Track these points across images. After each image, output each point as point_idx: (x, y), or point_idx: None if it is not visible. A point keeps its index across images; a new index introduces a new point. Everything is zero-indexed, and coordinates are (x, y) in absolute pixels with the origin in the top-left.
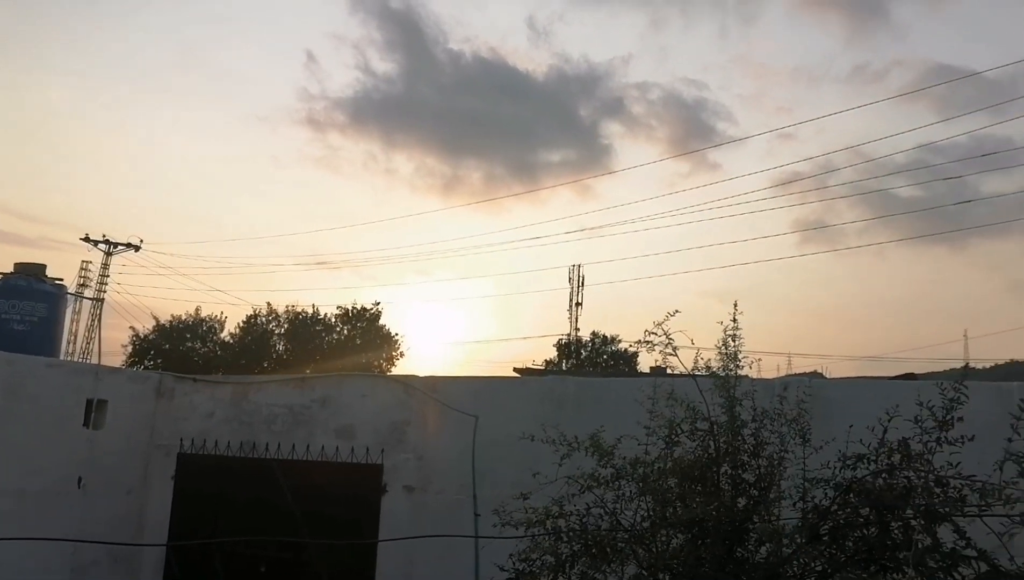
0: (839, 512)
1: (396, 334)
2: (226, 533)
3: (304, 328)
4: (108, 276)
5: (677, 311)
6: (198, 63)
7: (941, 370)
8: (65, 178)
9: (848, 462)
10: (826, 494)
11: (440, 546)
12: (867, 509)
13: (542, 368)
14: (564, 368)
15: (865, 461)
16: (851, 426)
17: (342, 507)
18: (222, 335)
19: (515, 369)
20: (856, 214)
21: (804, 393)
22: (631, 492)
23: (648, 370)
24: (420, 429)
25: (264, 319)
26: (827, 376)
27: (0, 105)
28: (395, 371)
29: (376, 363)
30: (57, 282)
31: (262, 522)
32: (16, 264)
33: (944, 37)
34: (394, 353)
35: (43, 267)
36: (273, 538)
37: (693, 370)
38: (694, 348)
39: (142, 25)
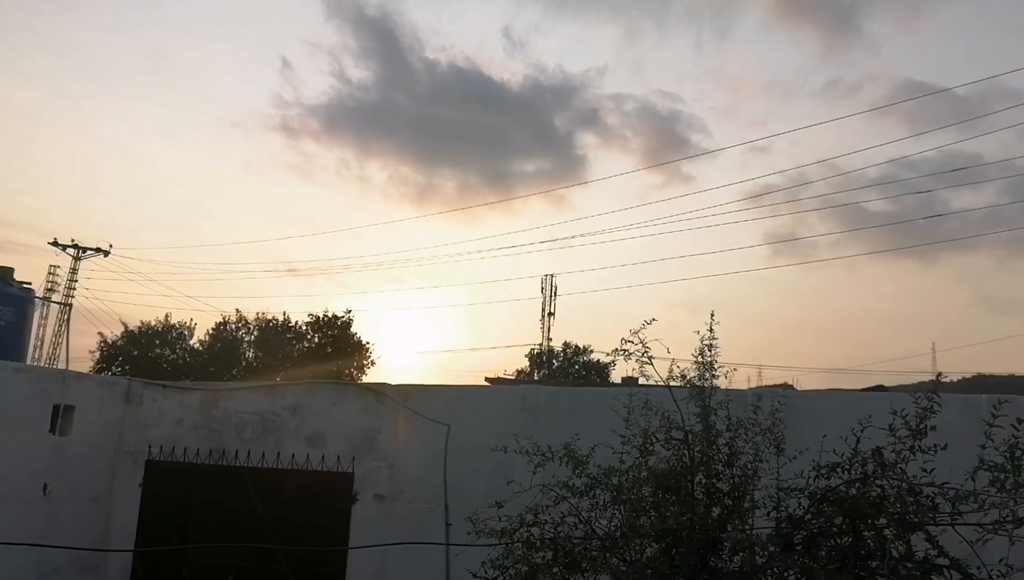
0: (813, 521)
1: (367, 342)
2: (195, 541)
3: (274, 336)
4: (76, 281)
5: (654, 320)
6: (171, 67)
7: (910, 383)
8: (32, 181)
9: (822, 471)
10: (800, 503)
11: (411, 555)
12: (841, 518)
13: (513, 378)
14: (536, 378)
15: (839, 470)
16: (824, 436)
17: (312, 515)
18: (191, 342)
19: (486, 378)
20: (827, 227)
21: (778, 403)
22: (605, 500)
23: (620, 381)
24: (391, 437)
25: (234, 326)
26: (797, 388)
27: None
28: (366, 379)
29: (347, 371)
30: (25, 286)
31: (231, 530)
32: None
33: (915, 54)
34: (365, 361)
35: (11, 270)
36: (242, 544)
37: (668, 380)
38: (668, 358)
39: (112, 27)
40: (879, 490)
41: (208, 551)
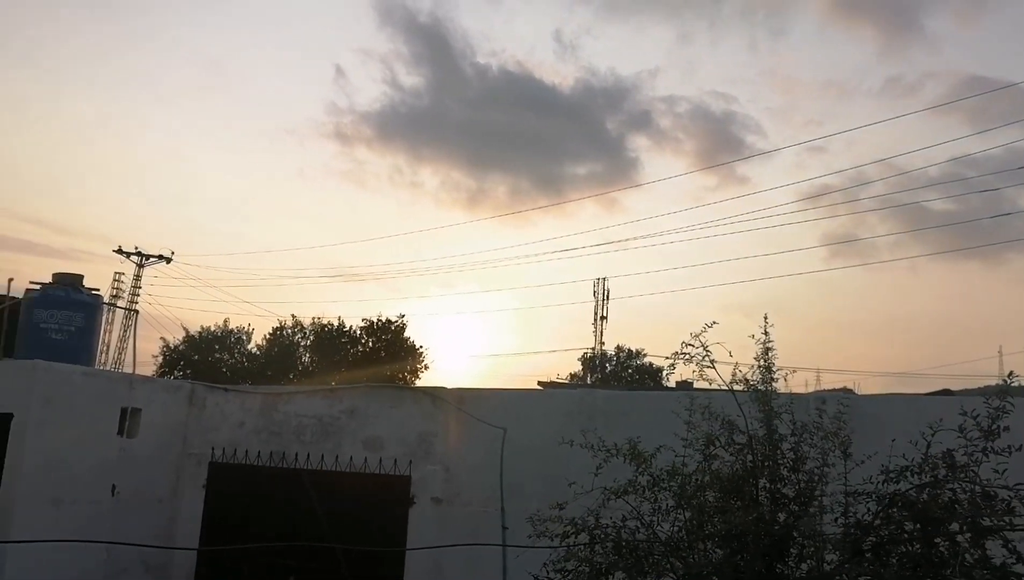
0: (883, 527)
1: (420, 346)
2: (256, 542)
3: (329, 340)
4: (140, 287)
5: (714, 323)
6: (227, 77)
7: (976, 387)
8: (96, 190)
9: (891, 475)
10: (869, 509)
11: (468, 558)
12: (912, 524)
13: (567, 382)
14: (589, 382)
15: (909, 474)
16: (893, 440)
17: (370, 518)
18: (249, 346)
19: (539, 382)
20: (888, 228)
21: (841, 407)
22: (668, 505)
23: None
24: (447, 441)
25: (290, 331)
26: (857, 392)
27: (32, 119)
28: (419, 383)
29: (401, 375)
30: (94, 293)
31: (292, 531)
32: (54, 274)
33: (978, 49)
34: (418, 365)
35: (80, 278)
36: (303, 544)
37: (732, 384)
38: (729, 362)
39: (170, 38)
40: (951, 494)
41: (269, 551)
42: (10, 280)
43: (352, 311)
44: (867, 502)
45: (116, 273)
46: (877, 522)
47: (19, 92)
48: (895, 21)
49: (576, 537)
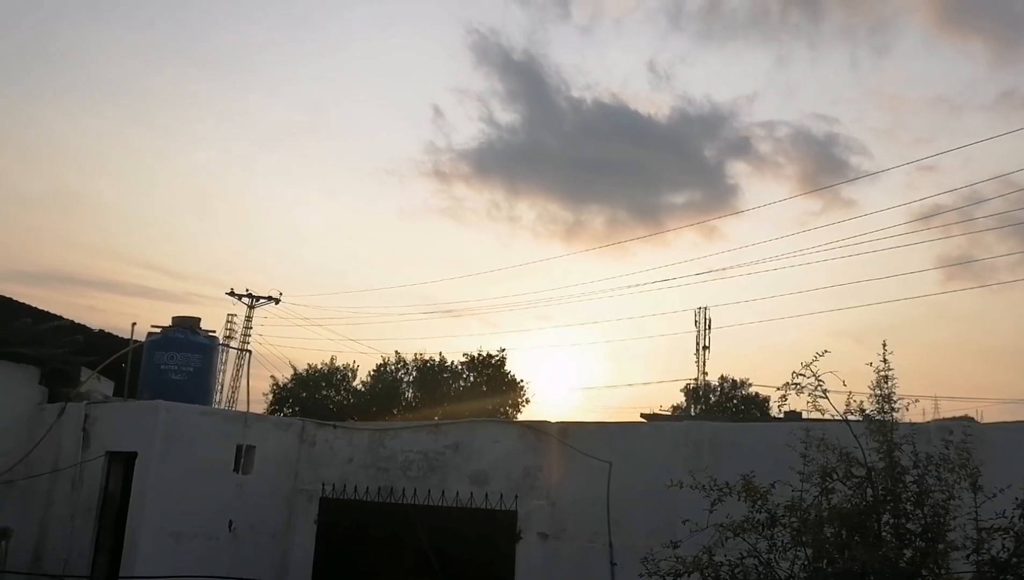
0: (1020, 565)
1: (521, 380)
2: (366, 577)
3: (432, 375)
4: (251, 328)
5: (826, 351)
6: (328, 121)
7: None
8: (208, 236)
9: None
10: (1004, 545)
11: None
12: None
13: (670, 414)
14: (693, 413)
15: None
16: None
17: (477, 554)
18: (355, 383)
19: (642, 414)
20: (1007, 247)
21: (964, 436)
22: (785, 541)
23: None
24: (552, 475)
25: (393, 367)
26: (979, 420)
27: (147, 170)
28: (521, 417)
29: (502, 409)
30: (210, 334)
31: (400, 566)
32: (174, 318)
33: None
34: (520, 399)
35: (198, 320)
36: (412, 579)
37: (846, 414)
38: (842, 391)
39: (275, 86)
40: None
41: None
42: (133, 324)
43: (453, 346)
44: (1003, 538)
45: (228, 315)
46: (1015, 560)
47: (134, 144)
48: (1006, 33)
49: (688, 577)
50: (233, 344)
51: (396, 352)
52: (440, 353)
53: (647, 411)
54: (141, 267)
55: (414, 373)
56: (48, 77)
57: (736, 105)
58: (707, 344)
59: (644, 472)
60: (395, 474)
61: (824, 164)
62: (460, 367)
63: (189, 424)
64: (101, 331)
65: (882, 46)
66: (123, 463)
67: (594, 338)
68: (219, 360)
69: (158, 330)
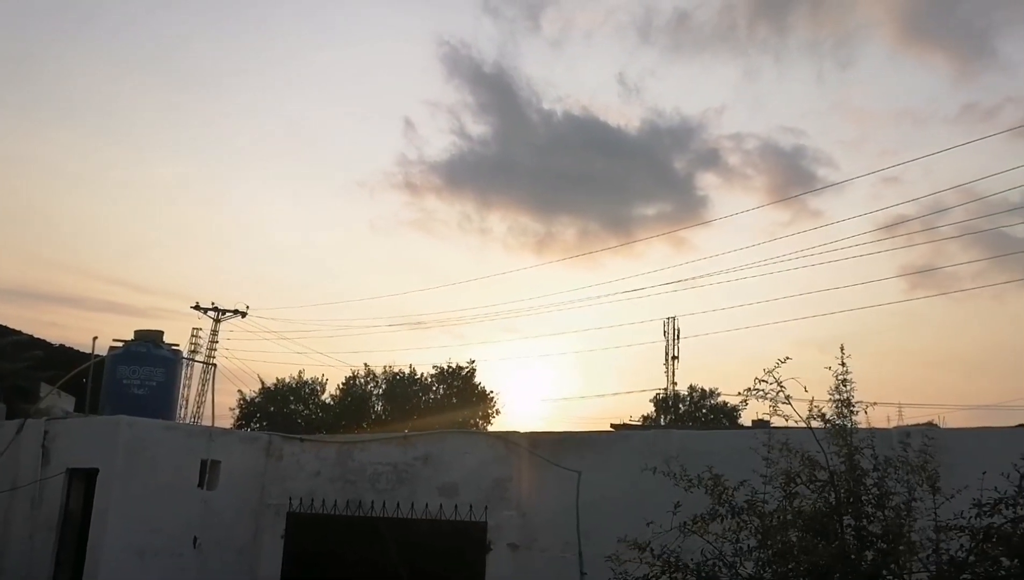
0: (977, 564)
1: (491, 391)
2: None
3: (401, 388)
4: (217, 342)
5: (787, 358)
6: (300, 135)
7: None
8: (174, 250)
9: (984, 509)
10: (962, 545)
11: None
12: (1009, 559)
13: (639, 423)
14: (662, 423)
15: (1003, 507)
16: (984, 473)
17: (447, 565)
18: (323, 397)
19: (612, 425)
20: (969, 256)
21: (926, 440)
22: (750, 545)
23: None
24: (522, 486)
25: (363, 380)
26: (942, 426)
27: (113, 184)
28: (492, 428)
29: (472, 421)
30: (174, 348)
31: (369, 579)
32: (136, 332)
33: None
34: (490, 410)
35: (161, 334)
36: None
37: (809, 419)
38: (804, 398)
39: (246, 101)
40: None
41: None
42: (94, 339)
43: (423, 358)
44: (959, 537)
45: (194, 329)
46: (972, 558)
47: (100, 159)
48: (967, 47)
49: (660, 578)
50: (199, 358)
51: (365, 365)
52: (410, 365)
53: (617, 421)
54: (105, 282)
55: (383, 386)
56: (9, 90)
57: (705, 118)
58: (676, 354)
59: (613, 481)
60: (364, 487)
61: (792, 176)
62: (430, 379)
63: (152, 439)
64: (61, 346)
65: (847, 60)
66: (84, 480)
67: (564, 349)
68: (183, 374)
69: (120, 344)
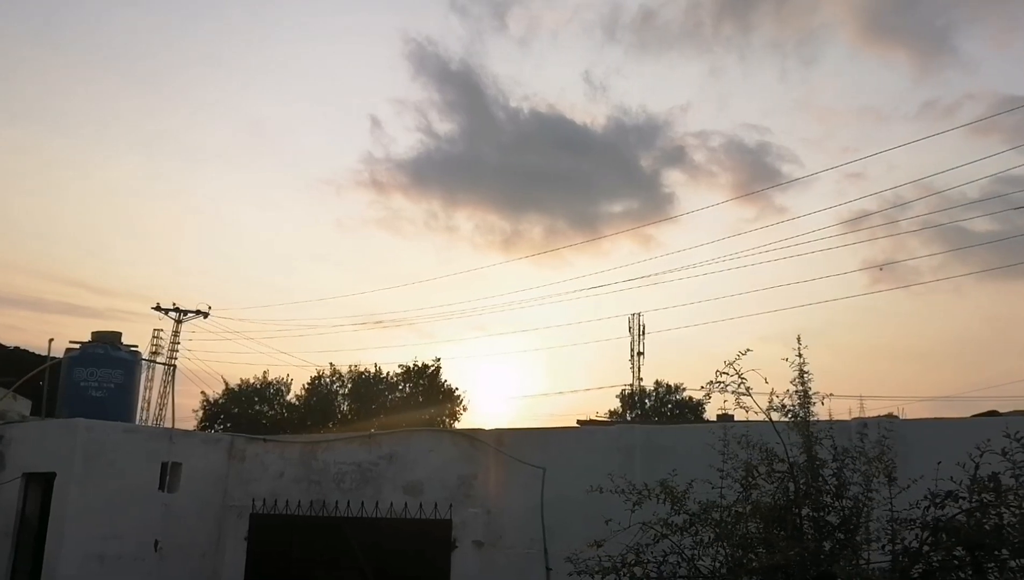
0: (932, 554)
1: (457, 389)
2: None
3: (367, 387)
4: (179, 343)
5: (748, 350)
6: (265, 134)
7: None
8: (134, 251)
9: (937, 500)
10: (916, 535)
11: None
12: (962, 550)
13: (606, 419)
14: (628, 419)
15: (955, 498)
16: (939, 463)
17: (412, 564)
18: (288, 397)
19: (578, 421)
20: (929, 250)
21: (884, 432)
22: (709, 538)
23: (715, 418)
24: (487, 483)
25: (328, 380)
26: (902, 418)
27: (70, 183)
28: (458, 426)
29: (439, 419)
30: (132, 350)
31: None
32: (93, 333)
33: (1015, 70)
34: (456, 408)
35: (119, 335)
36: None
37: (769, 410)
38: (766, 391)
39: (211, 99)
40: (996, 518)
41: None
42: (50, 341)
43: (389, 357)
44: (913, 528)
45: (155, 330)
46: (926, 548)
47: (56, 157)
48: (927, 45)
49: (620, 573)
50: (160, 360)
51: (331, 364)
52: (376, 364)
53: (583, 418)
54: (62, 283)
55: (349, 385)
56: None
57: (671, 115)
58: (642, 350)
59: (578, 477)
60: (328, 487)
61: (757, 173)
62: (396, 378)
63: (111, 442)
64: (17, 348)
65: (810, 58)
66: (42, 484)
67: (531, 346)
68: (144, 376)
69: (77, 346)
